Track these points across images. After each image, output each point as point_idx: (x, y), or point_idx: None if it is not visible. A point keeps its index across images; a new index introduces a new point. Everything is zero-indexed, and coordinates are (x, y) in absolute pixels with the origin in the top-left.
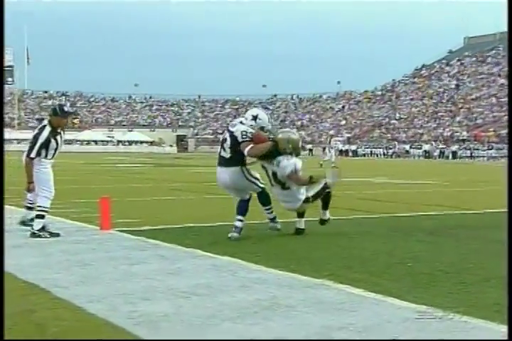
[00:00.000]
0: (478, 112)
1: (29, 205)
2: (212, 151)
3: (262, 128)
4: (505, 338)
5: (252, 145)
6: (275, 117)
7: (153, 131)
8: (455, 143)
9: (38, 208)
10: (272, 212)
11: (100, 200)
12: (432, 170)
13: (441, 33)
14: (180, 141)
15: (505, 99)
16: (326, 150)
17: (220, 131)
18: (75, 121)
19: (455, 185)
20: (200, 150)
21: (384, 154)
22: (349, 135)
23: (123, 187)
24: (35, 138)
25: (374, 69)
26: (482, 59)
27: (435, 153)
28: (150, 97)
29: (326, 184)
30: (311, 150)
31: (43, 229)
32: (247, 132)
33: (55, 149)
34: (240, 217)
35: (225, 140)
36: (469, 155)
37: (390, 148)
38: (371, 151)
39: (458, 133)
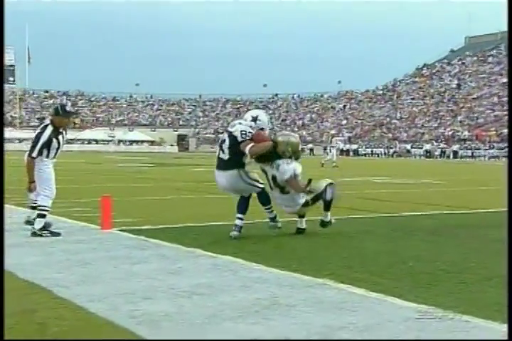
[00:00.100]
0: (480, 111)
1: (34, 205)
2: (213, 151)
3: (261, 130)
4: (506, 338)
5: (253, 143)
6: (276, 117)
7: (154, 130)
8: (456, 142)
9: (39, 207)
10: (272, 211)
11: (101, 200)
12: (433, 170)
13: (442, 32)
14: (181, 140)
15: (507, 99)
16: (327, 149)
17: (221, 131)
18: (76, 120)
19: (456, 185)
20: (201, 149)
21: (385, 154)
22: (350, 134)
23: (124, 186)
24: (37, 137)
25: (375, 69)
26: (483, 58)
27: (436, 153)
28: (151, 97)
29: (325, 187)
30: (311, 149)
31: (44, 228)
32: (246, 131)
33: (57, 149)
34: (239, 215)
35: (223, 141)
36: (470, 154)
37: (391, 148)
38: (372, 151)
39: (459, 133)
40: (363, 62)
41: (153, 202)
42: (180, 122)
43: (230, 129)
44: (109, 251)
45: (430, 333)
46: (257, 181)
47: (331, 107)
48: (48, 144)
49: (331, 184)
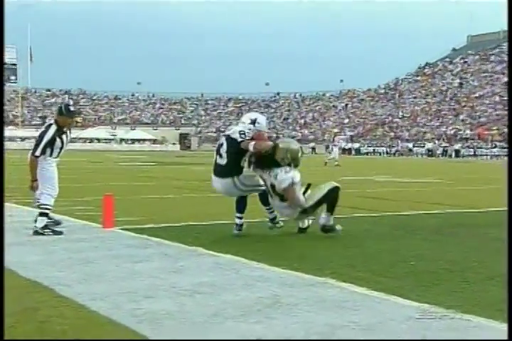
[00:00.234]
0: (482, 110)
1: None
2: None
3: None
4: (506, 338)
5: (253, 141)
6: (278, 115)
7: (156, 129)
8: (458, 141)
9: (42, 206)
10: (272, 212)
11: (103, 198)
12: (435, 169)
13: (444, 31)
14: (183, 139)
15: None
16: (330, 148)
17: (223, 129)
18: (78, 119)
19: (458, 184)
20: (203, 148)
21: (387, 152)
22: (352, 133)
23: (126, 185)
24: (41, 136)
25: (377, 68)
26: (485, 57)
27: (438, 152)
28: (153, 95)
29: (325, 194)
30: (314, 148)
31: (46, 226)
32: (245, 132)
33: (60, 148)
34: (238, 215)
35: (221, 145)
36: (472, 153)
37: (393, 147)
38: (374, 150)
39: (461, 132)
40: (365, 61)
41: (155, 201)
42: (182, 121)
43: (226, 132)
44: (111, 249)
45: (432, 332)
46: (256, 186)
47: (333, 106)
48: (51, 143)
49: (332, 190)
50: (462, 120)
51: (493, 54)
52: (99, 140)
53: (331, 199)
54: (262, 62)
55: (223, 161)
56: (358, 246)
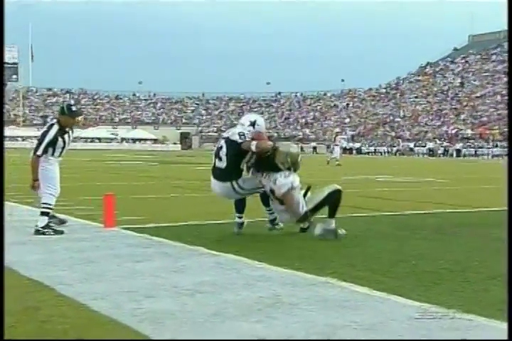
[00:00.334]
0: (483, 110)
1: None
2: None
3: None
4: (506, 338)
5: (255, 141)
6: (279, 115)
7: (157, 128)
8: (459, 141)
9: (43, 205)
10: (272, 213)
11: (104, 198)
12: (436, 168)
13: (445, 30)
14: (184, 138)
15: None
16: (331, 147)
17: (224, 129)
18: (79, 118)
19: (459, 183)
20: (204, 147)
21: (388, 152)
22: (353, 133)
23: (127, 184)
24: (43, 136)
25: (378, 67)
26: (487, 56)
27: (439, 151)
28: (154, 95)
29: (325, 197)
30: (315, 148)
31: (47, 226)
32: (244, 133)
33: (62, 148)
34: (238, 215)
35: (220, 148)
36: (473, 153)
37: (394, 146)
38: (375, 149)
39: (462, 131)
40: (366, 61)
41: (156, 200)
42: (183, 120)
43: (225, 135)
44: (112, 249)
45: (433, 332)
46: (254, 188)
47: (334, 105)
48: (53, 143)
49: (333, 193)
50: (463, 119)
51: (494, 53)
52: (100, 139)
53: (331, 202)
54: (263, 62)
55: (223, 164)
56: (359, 245)
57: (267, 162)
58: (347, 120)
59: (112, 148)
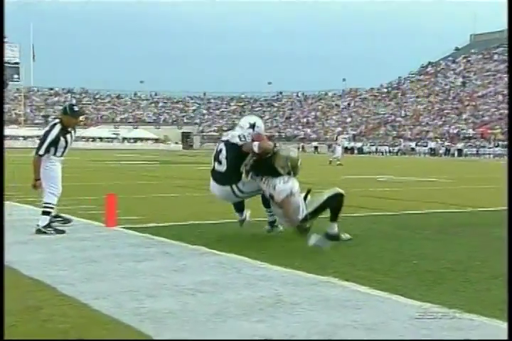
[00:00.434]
0: (485, 109)
1: None
2: None
3: None
4: (506, 338)
5: (257, 142)
6: (280, 115)
7: (159, 128)
8: (461, 140)
9: (44, 205)
10: (272, 215)
11: (106, 197)
12: (438, 168)
13: (447, 30)
14: (186, 138)
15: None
16: (333, 147)
17: (226, 128)
18: (81, 118)
19: (461, 183)
20: (206, 147)
21: (389, 151)
22: (354, 132)
23: (128, 184)
24: (45, 135)
25: (379, 67)
26: (488, 56)
27: (441, 151)
28: (155, 94)
29: (326, 200)
30: (316, 147)
31: (48, 225)
32: (244, 135)
33: (65, 147)
34: (237, 214)
35: (219, 151)
36: (475, 152)
37: (396, 146)
38: (376, 149)
39: (464, 131)
40: (368, 60)
41: (157, 200)
42: (185, 120)
43: (224, 138)
44: (113, 248)
45: (435, 331)
46: (253, 191)
47: (336, 105)
48: (55, 142)
49: (333, 197)
50: (465, 119)
51: (496, 53)
52: (101, 139)
53: (333, 206)
54: (264, 61)
55: (222, 168)
56: (360, 245)
57: (266, 166)
58: (348, 119)
59: (113, 148)
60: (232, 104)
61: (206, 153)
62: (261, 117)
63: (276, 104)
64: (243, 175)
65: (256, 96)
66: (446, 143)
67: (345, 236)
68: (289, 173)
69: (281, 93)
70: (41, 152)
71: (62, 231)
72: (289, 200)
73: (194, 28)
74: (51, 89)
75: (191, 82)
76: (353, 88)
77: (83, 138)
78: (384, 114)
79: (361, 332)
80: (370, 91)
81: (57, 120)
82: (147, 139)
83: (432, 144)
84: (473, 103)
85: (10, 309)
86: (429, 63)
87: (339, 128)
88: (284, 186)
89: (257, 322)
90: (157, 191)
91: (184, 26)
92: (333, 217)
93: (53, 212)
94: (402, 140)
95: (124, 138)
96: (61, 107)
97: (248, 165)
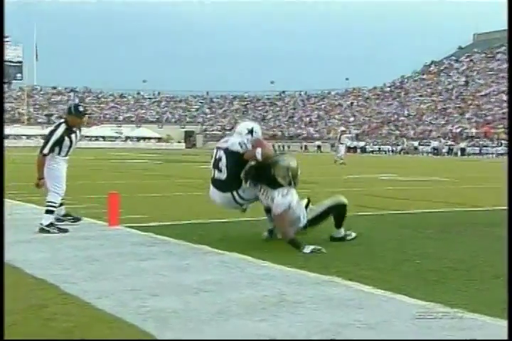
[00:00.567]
0: (488, 109)
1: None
2: None
3: None
4: (506, 338)
5: (259, 148)
6: (283, 114)
7: (162, 127)
8: (464, 139)
9: (48, 204)
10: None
11: (109, 196)
12: (441, 167)
13: (450, 29)
14: (189, 137)
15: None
16: (336, 146)
17: (229, 128)
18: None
19: (464, 182)
20: (208, 146)
21: (392, 151)
22: (357, 132)
23: (131, 183)
24: (50, 135)
25: (382, 66)
26: (491, 55)
27: (444, 150)
28: (158, 93)
29: (327, 210)
30: (319, 146)
31: (51, 224)
32: (245, 142)
33: (69, 147)
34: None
35: (219, 159)
36: (478, 151)
37: (399, 145)
38: (379, 148)
39: (467, 130)
40: (371, 59)
41: (160, 199)
42: (188, 119)
43: (223, 145)
44: (116, 247)
45: (438, 331)
46: (254, 199)
47: (339, 104)
48: (60, 142)
49: (334, 207)
50: (468, 118)
51: (499, 52)
52: (104, 138)
53: (334, 215)
54: (267, 61)
55: (223, 176)
56: (363, 244)
57: (266, 176)
58: (351, 119)
59: (116, 147)
60: (235, 103)
61: (209, 152)
62: (263, 117)
63: (279, 104)
64: (243, 182)
65: (259, 96)
66: (449, 143)
67: (350, 236)
68: (289, 183)
69: (284, 92)
70: (45, 151)
71: (65, 230)
72: (285, 215)
73: (197, 28)
74: (54, 88)
75: (194, 81)
76: (356, 87)
77: (86, 137)
78: (387, 113)
79: (364, 331)
80: (373, 91)
81: (62, 120)
82: (150, 138)
83: (434, 143)
84: (477, 102)
85: (13, 308)
86: (432, 62)
87: (342, 128)
88: (283, 200)
89: (260, 321)
90: (160, 190)
91: (187, 26)
92: (338, 224)
93: (63, 211)
94: (405, 139)
95: (127, 137)
96: (64, 106)
97: (248, 173)
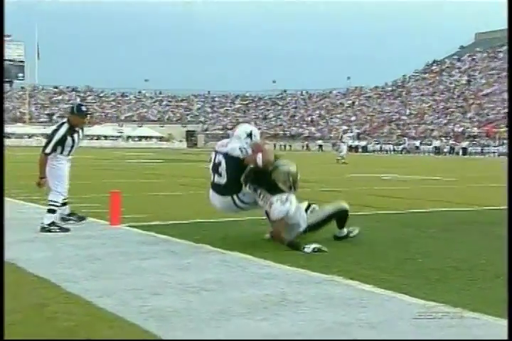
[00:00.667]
0: (490, 108)
1: (63, 201)
2: None
3: None
4: (506, 338)
5: (259, 154)
6: (285, 113)
7: (163, 126)
8: (466, 139)
9: (49, 203)
10: None
11: (110, 195)
12: (442, 167)
13: (452, 28)
14: (190, 136)
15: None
16: (337, 145)
17: (230, 127)
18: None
19: (465, 182)
20: (210, 145)
21: (394, 150)
22: (359, 131)
23: (133, 182)
24: (52, 134)
25: (384, 65)
26: (493, 54)
27: (445, 149)
28: (160, 92)
29: (329, 215)
30: (320, 146)
31: (53, 223)
32: (245, 147)
33: (72, 147)
34: None
35: (219, 164)
36: (480, 151)
37: (400, 144)
38: (381, 147)
39: (469, 129)
40: (372, 59)
41: (162, 198)
42: (189, 118)
43: (222, 150)
44: (118, 246)
45: (439, 330)
46: (254, 203)
47: (340, 103)
48: (62, 141)
49: (335, 214)
50: (470, 118)
51: (501, 51)
52: (106, 137)
53: (338, 218)
54: (268, 60)
55: (223, 180)
56: (365, 243)
57: (265, 180)
58: (353, 118)
59: (118, 146)
60: (236, 102)
61: (210, 151)
62: (265, 116)
63: (280, 103)
64: (243, 186)
65: (260, 95)
66: (450, 142)
67: (353, 232)
68: (290, 188)
69: (285, 91)
70: (48, 150)
71: (67, 230)
72: (282, 221)
73: (199, 27)
74: (56, 87)
75: (196, 81)
76: (358, 86)
77: (87, 136)
78: (388, 112)
79: (366, 330)
80: (375, 90)
81: (65, 119)
82: (151, 137)
83: (436, 143)
84: (478, 101)
85: (15, 307)
86: (434, 61)
87: (344, 127)
88: (281, 207)
89: (262, 321)
90: (161, 189)
91: (189, 25)
92: (340, 226)
93: (68, 210)
94: (406, 138)
95: (129, 137)
96: (66, 105)
97: (247, 176)
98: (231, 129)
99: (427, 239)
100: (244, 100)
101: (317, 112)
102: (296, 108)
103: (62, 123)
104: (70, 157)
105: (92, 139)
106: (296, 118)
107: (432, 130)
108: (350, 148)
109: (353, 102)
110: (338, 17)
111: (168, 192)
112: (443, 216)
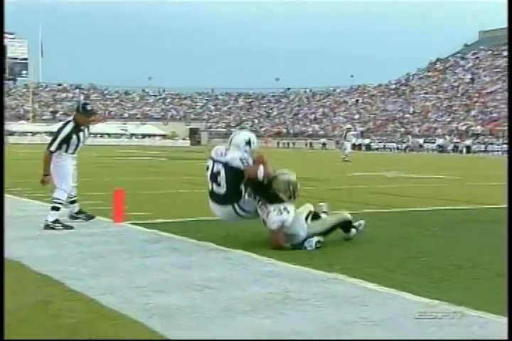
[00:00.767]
0: (493, 106)
1: (71, 199)
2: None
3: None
4: (506, 338)
5: (260, 166)
6: (288, 111)
7: (167, 124)
8: (469, 137)
9: (54, 200)
10: None
11: (114, 193)
12: (446, 165)
13: (456, 26)
14: (193, 134)
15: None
16: (341, 143)
17: (234, 125)
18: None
19: (469, 180)
20: (213, 143)
21: (397, 148)
22: (362, 129)
23: (136, 180)
24: (58, 132)
25: (388, 63)
26: (497, 52)
27: (449, 148)
28: (163, 90)
29: (332, 227)
30: (324, 144)
31: (57, 221)
32: (246, 158)
33: (76, 145)
34: None
35: (217, 173)
36: (484, 149)
37: (404, 142)
38: (384, 145)
39: (472, 128)
40: (376, 57)
41: (165, 196)
42: (192, 116)
43: (221, 159)
44: (121, 244)
45: (442, 328)
46: (256, 211)
47: (344, 101)
48: (67, 140)
49: (341, 223)
50: (473, 116)
51: (505, 49)
52: (109, 135)
53: (341, 227)
54: (272, 58)
55: (222, 190)
56: (368, 241)
57: (264, 189)
58: (356, 116)
59: (121, 144)
60: (239, 100)
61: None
62: (268, 114)
63: (283, 101)
64: (243, 194)
65: (264, 93)
66: (454, 140)
67: (361, 225)
68: (289, 197)
69: (288, 89)
70: (52, 148)
71: (71, 227)
72: (278, 232)
73: (202, 25)
74: (59, 84)
75: (199, 78)
76: (361, 84)
77: (91, 134)
78: (392, 110)
79: (369, 328)
80: (378, 88)
81: (71, 117)
82: (155, 135)
83: (440, 141)
84: (482, 99)
85: (18, 304)
86: (438, 59)
87: (348, 125)
88: (277, 218)
89: (265, 318)
90: (165, 187)
91: (192, 23)
92: (346, 231)
93: (77, 208)
94: (410, 136)
95: (132, 134)
96: (70, 103)
97: (247, 184)
98: (234, 127)
99: (429, 238)
100: (247, 98)
101: (320, 110)
102: (299, 106)
103: (68, 122)
104: (75, 155)
105: (95, 137)
106: (300, 116)
107: (436, 128)
108: (354, 146)
109: (357, 100)
110: (342, 15)
111: (171, 190)
112: (446, 214)
